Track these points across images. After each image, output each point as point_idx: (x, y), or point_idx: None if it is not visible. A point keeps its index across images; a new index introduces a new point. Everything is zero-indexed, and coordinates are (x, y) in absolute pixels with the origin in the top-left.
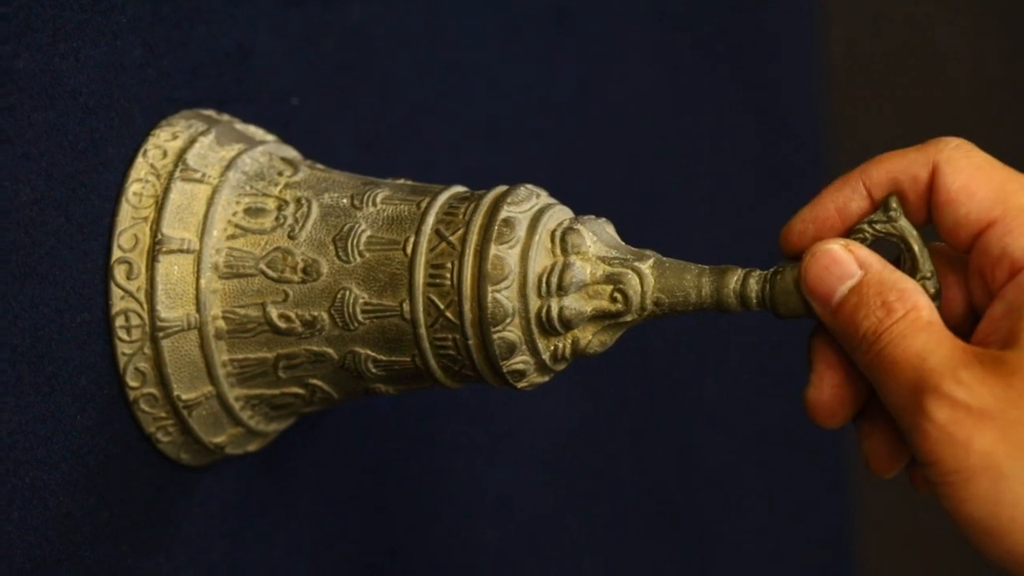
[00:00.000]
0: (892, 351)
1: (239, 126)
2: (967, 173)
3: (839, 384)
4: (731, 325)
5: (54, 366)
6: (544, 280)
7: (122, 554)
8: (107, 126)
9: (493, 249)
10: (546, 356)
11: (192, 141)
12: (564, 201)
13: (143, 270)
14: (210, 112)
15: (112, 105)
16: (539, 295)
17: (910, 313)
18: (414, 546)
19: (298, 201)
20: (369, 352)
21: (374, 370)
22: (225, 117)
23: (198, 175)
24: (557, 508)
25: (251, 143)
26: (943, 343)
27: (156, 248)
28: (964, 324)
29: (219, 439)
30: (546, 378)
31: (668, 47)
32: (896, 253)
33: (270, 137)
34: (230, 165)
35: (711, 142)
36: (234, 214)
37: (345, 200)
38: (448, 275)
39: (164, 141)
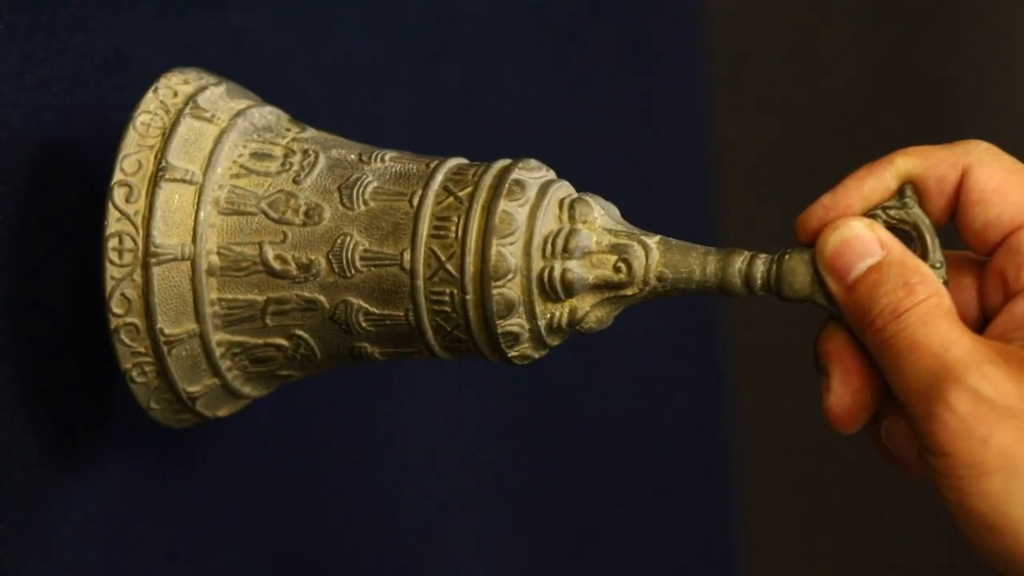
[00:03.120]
0: (912, 334)
1: (249, 91)
2: (1001, 175)
3: (859, 389)
4: (616, 333)
5: None
6: (550, 241)
7: None
8: None
9: (502, 204)
10: (542, 323)
11: (203, 88)
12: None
13: (143, 195)
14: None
15: None
16: (543, 256)
17: (932, 298)
18: (296, 552)
19: (305, 152)
20: (362, 303)
21: (364, 324)
22: (235, 82)
23: (208, 115)
24: (439, 515)
25: (260, 103)
26: (965, 334)
27: (159, 175)
28: (974, 328)
29: (194, 388)
30: (539, 353)
31: (550, 54)
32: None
33: None
34: (239, 114)
35: (595, 149)
36: (240, 155)
37: (353, 156)
38: (453, 228)
39: (175, 83)
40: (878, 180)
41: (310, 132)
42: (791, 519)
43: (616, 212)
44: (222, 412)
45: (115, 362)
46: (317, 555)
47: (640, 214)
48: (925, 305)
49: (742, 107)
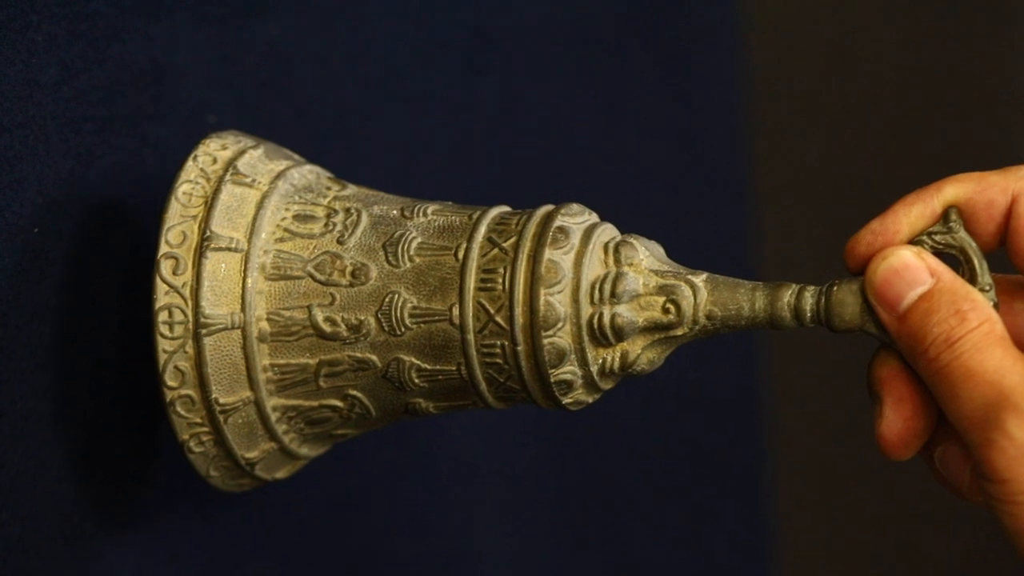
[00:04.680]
0: (966, 361)
1: (286, 150)
2: None
3: (911, 416)
4: None
5: None
6: (597, 287)
7: (33, 570)
8: (22, 144)
9: (547, 253)
10: (594, 368)
11: (242, 152)
12: None
13: (190, 266)
14: (257, 136)
15: (27, 123)
16: (592, 302)
17: (984, 324)
18: (326, 563)
19: (347, 211)
20: (414, 360)
21: (417, 380)
22: (271, 142)
23: (248, 180)
24: (471, 525)
25: (299, 163)
26: (1020, 361)
27: (204, 245)
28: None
29: (252, 454)
30: (592, 397)
31: (586, 67)
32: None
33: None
34: (280, 175)
35: (633, 158)
36: (283, 219)
37: (395, 211)
38: (500, 279)
39: (214, 150)
40: (925, 206)
41: (351, 189)
42: (826, 535)
43: (660, 251)
44: (280, 474)
45: (168, 427)
46: (346, 566)
47: (677, 223)
48: (978, 332)
49: (780, 113)
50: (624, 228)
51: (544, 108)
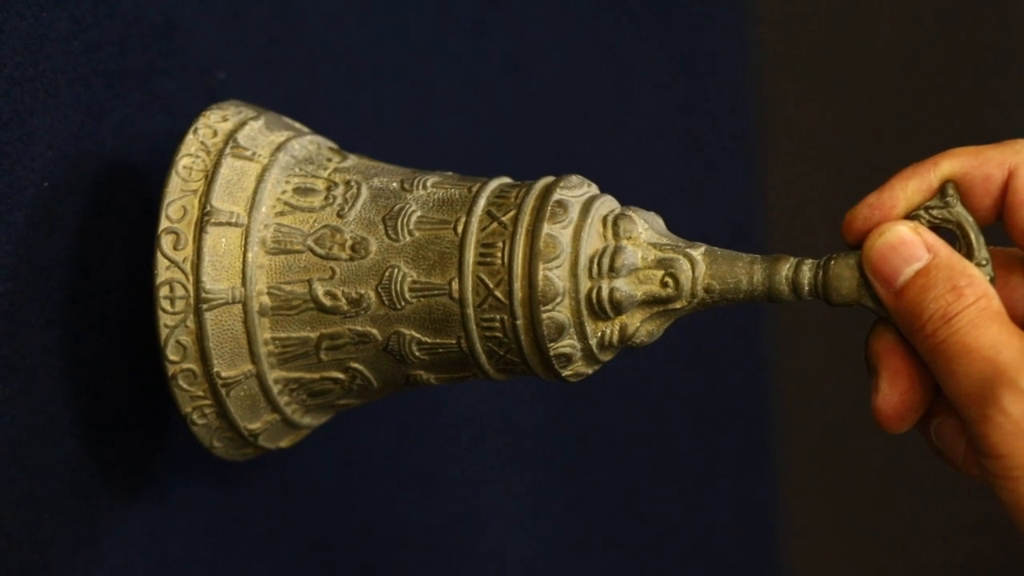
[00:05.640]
0: (963, 337)
1: (287, 119)
2: None
3: (907, 390)
4: None
5: None
6: (596, 261)
7: (43, 522)
8: (32, 98)
9: (546, 228)
10: (593, 342)
11: (242, 124)
12: (495, 173)
13: (190, 241)
14: (258, 106)
15: (37, 77)
16: (590, 276)
17: (980, 300)
18: (336, 520)
19: (347, 183)
20: (414, 333)
21: (418, 353)
22: (272, 112)
23: (248, 153)
24: (480, 483)
25: (299, 132)
26: (1016, 336)
27: (204, 220)
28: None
29: (254, 425)
30: (592, 369)
31: (598, 22)
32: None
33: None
34: (280, 147)
35: (641, 118)
36: (283, 192)
37: (395, 184)
38: (499, 254)
39: (214, 122)
40: (922, 180)
41: (351, 160)
42: (831, 504)
43: (660, 223)
44: (284, 443)
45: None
46: (356, 524)
47: (684, 186)
48: (974, 308)
49: (789, 78)
50: (632, 192)
51: (554, 69)
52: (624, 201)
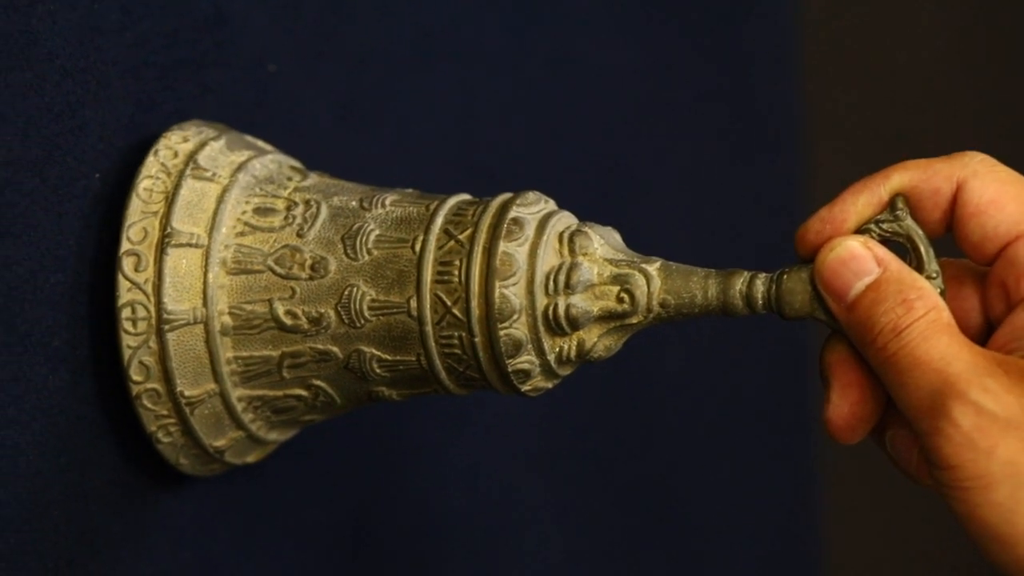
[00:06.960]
0: (913, 350)
1: (248, 138)
2: (996, 187)
3: (858, 401)
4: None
5: (27, 326)
6: (552, 278)
7: (91, 513)
8: (84, 89)
9: (502, 246)
10: (551, 357)
11: (203, 144)
12: (536, 172)
13: (151, 263)
14: (220, 124)
15: (89, 68)
16: (546, 293)
17: (930, 313)
18: (382, 513)
19: (307, 203)
20: (374, 351)
21: (379, 370)
22: (234, 131)
23: (209, 174)
24: (524, 475)
25: (260, 152)
26: (965, 348)
27: (165, 241)
28: (978, 335)
29: (220, 442)
30: (551, 383)
31: (641, 20)
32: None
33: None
34: (240, 167)
35: (684, 116)
36: (243, 212)
37: (354, 202)
38: (456, 272)
39: (175, 143)
40: (872, 194)
41: (312, 179)
42: (872, 503)
43: (617, 238)
44: (251, 459)
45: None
46: (401, 516)
47: (726, 184)
48: (924, 321)
49: (834, 77)
50: (675, 194)
51: (596, 58)
52: (666, 205)
